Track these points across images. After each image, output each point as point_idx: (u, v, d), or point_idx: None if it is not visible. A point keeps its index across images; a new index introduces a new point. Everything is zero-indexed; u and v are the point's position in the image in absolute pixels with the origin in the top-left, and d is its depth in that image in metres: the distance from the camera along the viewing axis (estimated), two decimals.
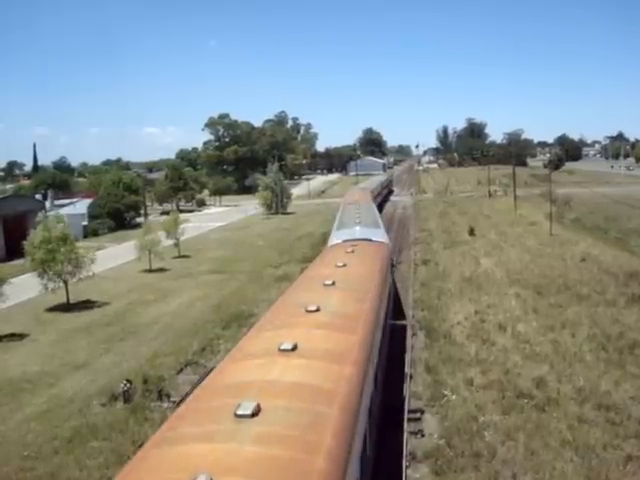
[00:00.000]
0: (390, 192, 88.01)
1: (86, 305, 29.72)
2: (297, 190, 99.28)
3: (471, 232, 44.93)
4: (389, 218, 56.60)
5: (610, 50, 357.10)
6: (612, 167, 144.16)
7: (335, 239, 23.02)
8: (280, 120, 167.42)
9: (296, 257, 39.17)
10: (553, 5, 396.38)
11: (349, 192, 60.21)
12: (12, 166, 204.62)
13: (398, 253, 37.70)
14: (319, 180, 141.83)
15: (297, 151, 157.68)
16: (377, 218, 30.57)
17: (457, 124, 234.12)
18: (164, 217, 53.39)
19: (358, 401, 7.99)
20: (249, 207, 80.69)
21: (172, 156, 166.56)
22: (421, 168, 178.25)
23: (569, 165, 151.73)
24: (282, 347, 8.62)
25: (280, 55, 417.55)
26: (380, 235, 23.24)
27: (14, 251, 39.78)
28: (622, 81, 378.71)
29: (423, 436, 14.21)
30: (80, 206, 67.42)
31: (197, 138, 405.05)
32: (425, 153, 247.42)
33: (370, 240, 20.96)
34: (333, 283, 13.03)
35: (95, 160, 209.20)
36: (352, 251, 17.54)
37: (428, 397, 16.34)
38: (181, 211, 65.76)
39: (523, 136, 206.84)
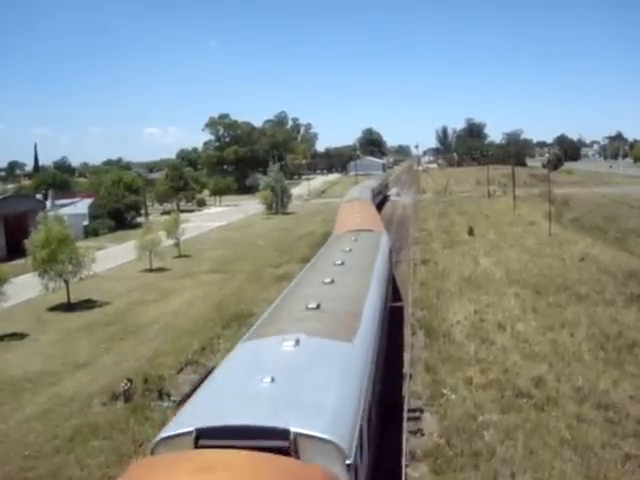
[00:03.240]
0: (386, 197, 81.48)
1: (87, 305, 29.79)
2: (297, 190, 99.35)
3: (470, 232, 44.98)
4: (388, 218, 56.58)
5: (609, 51, 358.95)
6: (610, 167, 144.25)
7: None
8: (280, 120, 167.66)
9: (296, 257, 39.20)
10: (552, 5, 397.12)
11: (344, 205, 41.81)
12: (13, 166, 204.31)
13: (397, 253, 37.64)
14: (319, 180, 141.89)
15: (297, 151, 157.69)
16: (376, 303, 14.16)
17: (456, 124, 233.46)
18: (164, 217, 53.44)
19: None
20: (249, 207, 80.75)
21: (173, 156, 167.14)
22: (420, 168, 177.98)
23: (568, 165, 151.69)
24: None
25: (280, 55, 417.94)
26: (337, 408, 7.74)
27: (15, 251, 39.90)
28: (621, 82, 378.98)
29: (423, 435, 14.28)
30: (81, 206, 67.29)
31: (198, 138, 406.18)
32: (425, 153, 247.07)
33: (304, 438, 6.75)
34: None
35: (96, 160, 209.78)
36: None
37: (427, 396, 16.40)
38: (181, 211, 65.78)
39: (522, 136, 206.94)
